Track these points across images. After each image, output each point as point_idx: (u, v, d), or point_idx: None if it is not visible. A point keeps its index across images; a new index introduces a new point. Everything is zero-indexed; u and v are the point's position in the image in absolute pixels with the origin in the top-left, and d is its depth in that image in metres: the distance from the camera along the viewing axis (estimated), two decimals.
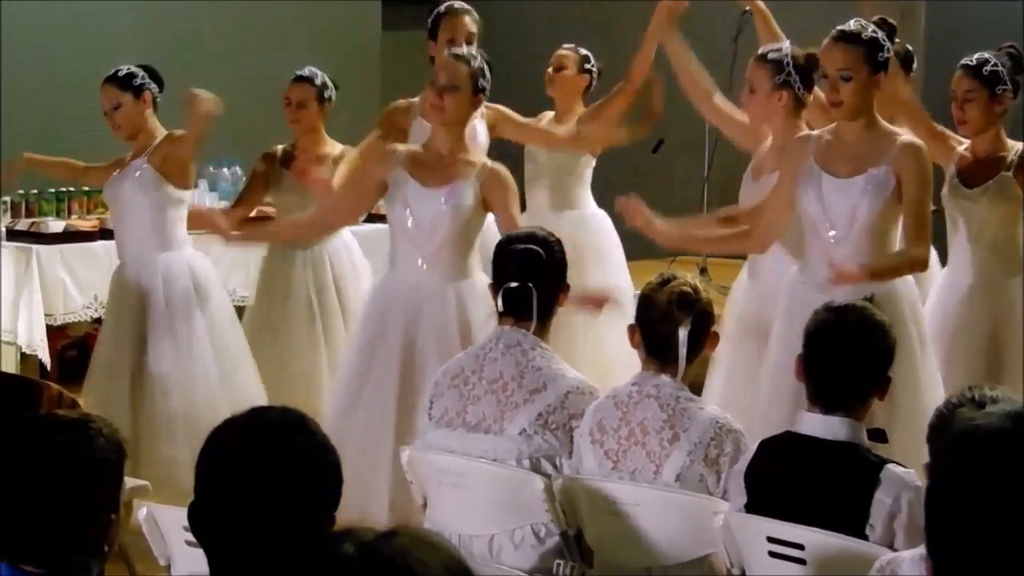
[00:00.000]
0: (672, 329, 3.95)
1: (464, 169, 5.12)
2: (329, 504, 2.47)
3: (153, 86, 5.86)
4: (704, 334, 4.01)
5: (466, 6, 6.07)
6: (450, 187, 5.08)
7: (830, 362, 3.61)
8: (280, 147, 6.43)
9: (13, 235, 7.28)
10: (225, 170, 8.58)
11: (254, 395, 5.78)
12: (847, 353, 3.61)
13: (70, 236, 7.11)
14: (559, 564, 4.04)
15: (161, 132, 5.87)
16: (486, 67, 5.17)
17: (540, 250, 4.32)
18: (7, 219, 7.73)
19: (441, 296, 5.08)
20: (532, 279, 4.28)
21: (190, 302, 5.83)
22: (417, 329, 5.08)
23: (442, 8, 5.98)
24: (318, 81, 6.32)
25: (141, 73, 5.85)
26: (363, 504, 4.82)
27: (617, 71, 6.70)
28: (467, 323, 5.04)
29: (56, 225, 7.24)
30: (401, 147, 5.29)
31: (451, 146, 5.15)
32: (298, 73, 6.38)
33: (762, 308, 5.03)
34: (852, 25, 4.58)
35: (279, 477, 2.41)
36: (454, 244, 5.11)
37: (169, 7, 9.14)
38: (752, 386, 5.00)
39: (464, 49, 5.24)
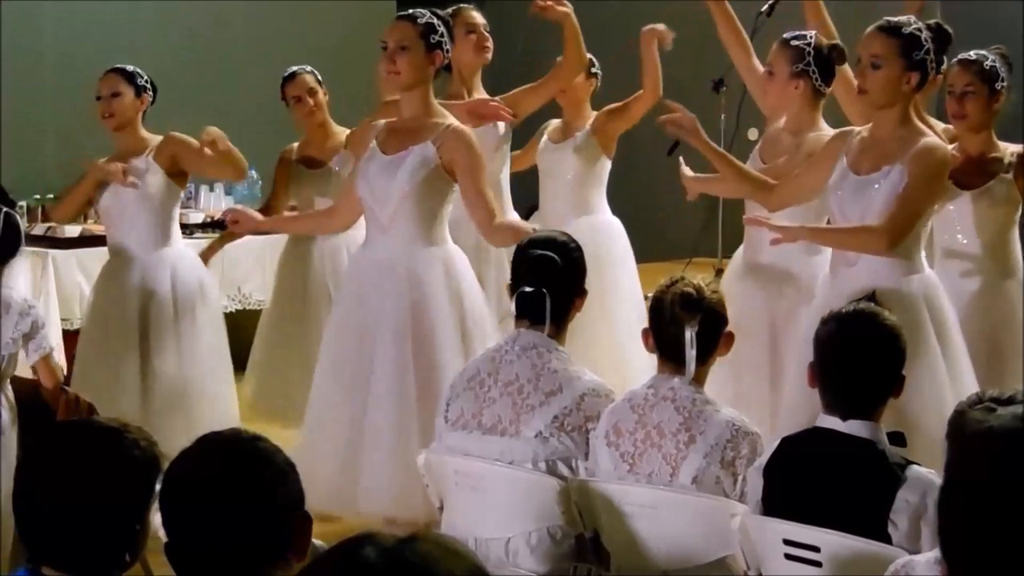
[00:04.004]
0: (679, 330, 3.96)
1: (424, 133, 4.99)
2: (296, 510, 2.54)
3: (150, 93, 5.89)
4: (714, 334, 4.01)
5: (470, 5, 6.06)
6: (405, 152, 4.97)
7: (843, 373, 3.60)
8: (295, 145, 6.53)
9: (29, 240, 7.26)
10: None
11: (229, 400, 5.90)
12: (859, 364, 3.59)
13: (86, 240, 7.14)
14: (575, 567, 4.05)
15: (151, 135, 5.90)
16: (437, 22, 5.01)
17: (556, 256, 4.30)
18: (23, 224, 7.75)
19: (391, 271, 4.99)
20: (546, 284, 4.27)
21: (195, 295, 5.87)
22: (374, 306, 5.00)
23: (449, 11, 5.97)
24: (309, 71, 6.51)
25: (146, 76, 5.90)
26: (339, 489, 4.86)
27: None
28: (422, 297, 4.93)
29: (72, 230, 7.27)
30: (382, 121, 5.17)
31: (417, 110, 5.03)
32: (291, 70, 6.48)
33: (764, 301, 5.06)
34: (900, 18, 4.56)
35: (239, 505, 2.49)
36: (411, 211, 4.98)
37: (187, 8, 9.17)
38: (762, 382, 5.01)
39: (409, 10, 5.03)
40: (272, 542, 2.51)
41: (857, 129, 4.76)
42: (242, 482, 2.52)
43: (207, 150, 5.54)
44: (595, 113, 6.63)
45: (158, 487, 2.68)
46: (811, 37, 5.22)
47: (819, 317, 3.79)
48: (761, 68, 5.44)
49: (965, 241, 5.08)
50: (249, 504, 2.50)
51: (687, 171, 5.23)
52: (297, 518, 2.55)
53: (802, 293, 5.06)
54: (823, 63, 5.19)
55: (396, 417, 4.89)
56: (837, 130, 4.89)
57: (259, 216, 5.52)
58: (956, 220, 5.09)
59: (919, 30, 4.55)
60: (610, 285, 6.33)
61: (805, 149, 5.12)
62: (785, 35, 5.29)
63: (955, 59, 5.14)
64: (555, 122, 6.75)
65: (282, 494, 2.54)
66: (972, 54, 5.11)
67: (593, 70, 6.64)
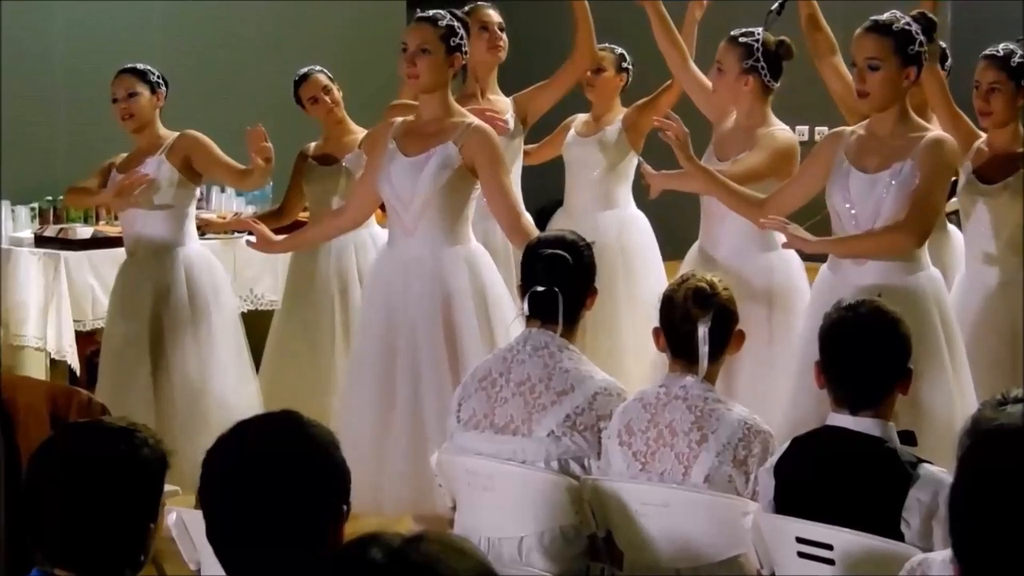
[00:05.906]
0: (692, 327, 3.95)
1: (446, 133, 5.02)
2: (335, 502, 2.52)
3: (164, 88, 5.90)
4: (726, 331, 4.00)
5: (486, 3, 6.05)
6: (427, 153, 5.00)
7: (850, 364, 3.58)
8: (312, 144, 6.53)
9: (41, 241, 7.32)
10: None
11: (252, 400, 5.87)
12: (865, 353, 3.58)
13: (98, 242, 7.14)
14: (588, 566, 4.04)
15: (167, 132, 5.91)
16: (457, 25, 5.03)
17: (568, 255, 4.30)
18: (35, 226, 7.77)
19: (417, 271, 5.02)
20: (559, 283, 4.27)
21: (209, 296, 5.88)
22: (401, 306, 5.03)
23: (466, 8, 5.96)
24: (320, 70, 6.49)
25: (157, 72, 5.90)
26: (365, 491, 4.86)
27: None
28: (448, 295, 4.98)
29: (84, 231, 7.27)
30: (399, 120, 5.19)
31: (436, 112, 5.06)
32: (302, 71, 6.47)
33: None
34: (885, 16, 4.55)
35: (280, 487, 2.46)
36: (436, 213, 5.02)
37: (196, 9, 9.16)
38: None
39: (430, 11, 5.05)
40: (310, 531, 2.49)
41: (849, 128, 4.75)
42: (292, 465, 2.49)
43: (260, 161, 5.52)
44: (624, 109, 6.61)
45: (167, 487, 2.68)
46: (759, 33, 5.28)
47: (821, 316, 3.78)
48: (698, 71, 5.48)
49: (986, 236, 5.07)
50: (297, 485, 2.47)
51: (649, 168, 5.23)
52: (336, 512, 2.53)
53: (754, 288, 5.08)
54: (771, 59, 5.25)
55: (430, 415, 4.90)
56: (831, 132, 4.86)
57: (276, 238, 5.57)
58: (975, 214, 5.09)
59: (908, 24, 4.54)
60: (636, 278, 6.32)
61: (760, 144, 5.17)
62: (733, 32, 5.34)
63: (982, 54, 5.14)
64: (583, 116, 6.73)
65: (327, 484, 2.52)
66: (1000, 49, 5.10)
67: (625, 65, 6.63)
